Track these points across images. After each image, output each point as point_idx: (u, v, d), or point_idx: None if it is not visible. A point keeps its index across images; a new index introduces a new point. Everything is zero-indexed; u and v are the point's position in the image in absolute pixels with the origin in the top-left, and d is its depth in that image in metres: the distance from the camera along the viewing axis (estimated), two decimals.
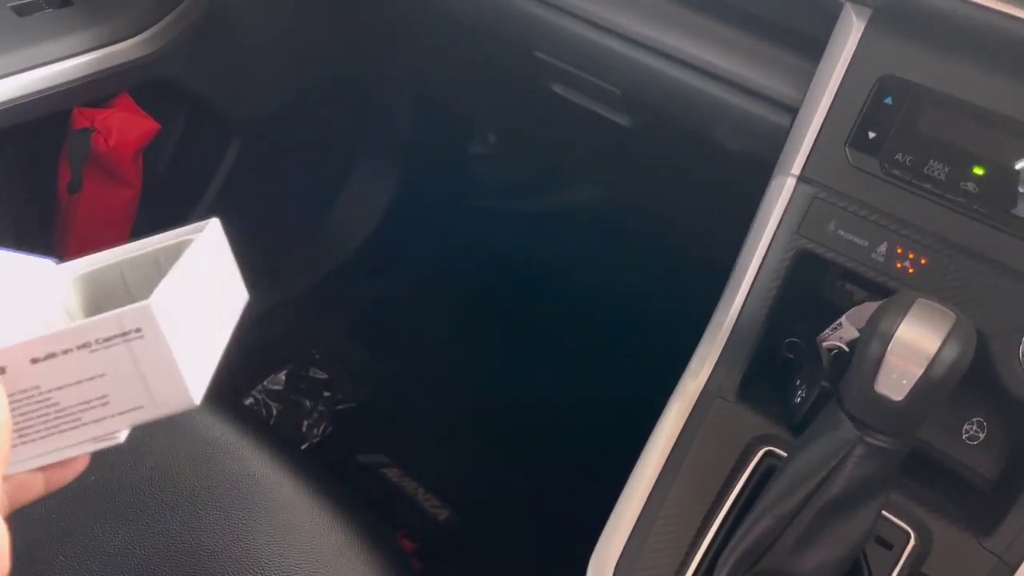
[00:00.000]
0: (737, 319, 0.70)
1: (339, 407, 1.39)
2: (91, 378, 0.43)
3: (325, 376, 1.42)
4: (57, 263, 0.53)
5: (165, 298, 0.44)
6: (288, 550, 0.71)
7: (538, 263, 1.40)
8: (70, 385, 0.43)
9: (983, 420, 0.68)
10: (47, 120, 0.98)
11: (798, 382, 0.70)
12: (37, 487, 0.45)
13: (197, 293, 0.48)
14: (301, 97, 1.31)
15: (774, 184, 0.70)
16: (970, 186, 0.64)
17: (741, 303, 0.70)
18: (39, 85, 0.92)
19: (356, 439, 1.34)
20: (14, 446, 0.44)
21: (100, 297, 0.56)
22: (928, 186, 0.65)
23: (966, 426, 0.68)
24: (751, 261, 0.70)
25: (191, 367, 0.45)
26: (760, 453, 0.66)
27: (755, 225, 0.71)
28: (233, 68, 1.17)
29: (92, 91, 1.00)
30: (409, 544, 1.18)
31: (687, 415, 0.68)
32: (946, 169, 0.64)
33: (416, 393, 1.40)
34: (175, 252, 0.51)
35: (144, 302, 0.43)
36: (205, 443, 0.77)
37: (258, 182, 1.31)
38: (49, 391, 0.43)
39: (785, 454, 0.65)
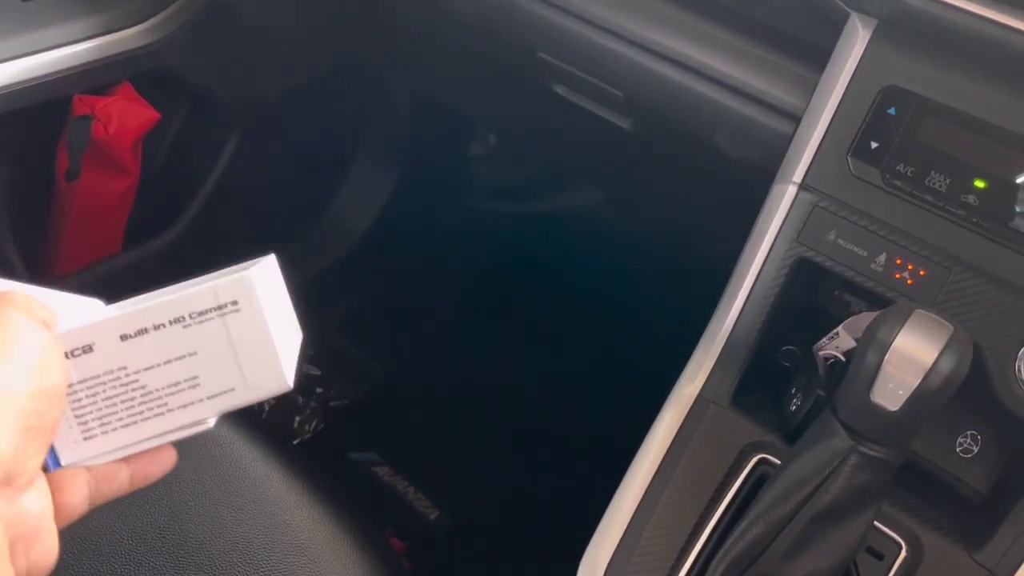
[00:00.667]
0: (734, 326, 0.70)
1: (332, 404, 1.39)
2: (182, 357, 0.41)
3: (318, 373, 1.42)
4: (105, 304, 0.49)
5: (261, 273, 0.41)
6: (277, 544, 0.71)
7: (535, 264, 1.39)
8: (159, 365, 0.41)
9: (977, 433, 0.68)
10: (47, 106, 0.98)
11: (793, 390, 0.70)
12: (121, 481, 0.42)
13: (276, 296, 0.45)
14: (301, 91, 1.31)
15: (775, 191, 0.70)
16: (971, 199, 0.64)
17: (739, 310, 0.70)
18: (41, 71, 0.91)
19: (348, 437, 1.34)
20: (91, 437, 0.41)
21: None
22: (929, 198, 0.65)
23: (960, 439, 0.68)
24: (750, 268, 0.70)
25: (284, 348, 0.42)
26: (753, 460, 0.66)
27: (754, 232, 0.71)
28: (234, 59, 1.17)
29: (93, 78, 0.99)
30: (399, 543, 1.18)
31: (681, 420, 0.67)
32: (947, 181, 0.64)
33: (409, 392, 1.40)
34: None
35: (242, 272, 0.41)
36: (196, 434, 0.76)
37: (256, 176, 1.30)
38: (137, 372, 0.41)
39: (779, 462, 0.65)
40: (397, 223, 1.53)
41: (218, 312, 0.40)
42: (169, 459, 0.43)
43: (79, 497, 0.40)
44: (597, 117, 0.95)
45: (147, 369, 0.41)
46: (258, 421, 1.24)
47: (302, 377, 1.40)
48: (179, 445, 0.43)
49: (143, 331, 0.40)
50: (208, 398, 0.42)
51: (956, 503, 0.67)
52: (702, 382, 0.69)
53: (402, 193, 1.52)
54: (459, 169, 1.60)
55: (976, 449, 0.68)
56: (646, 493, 0.65)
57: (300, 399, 1.38)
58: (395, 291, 1.56)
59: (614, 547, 0.64)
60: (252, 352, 0.41)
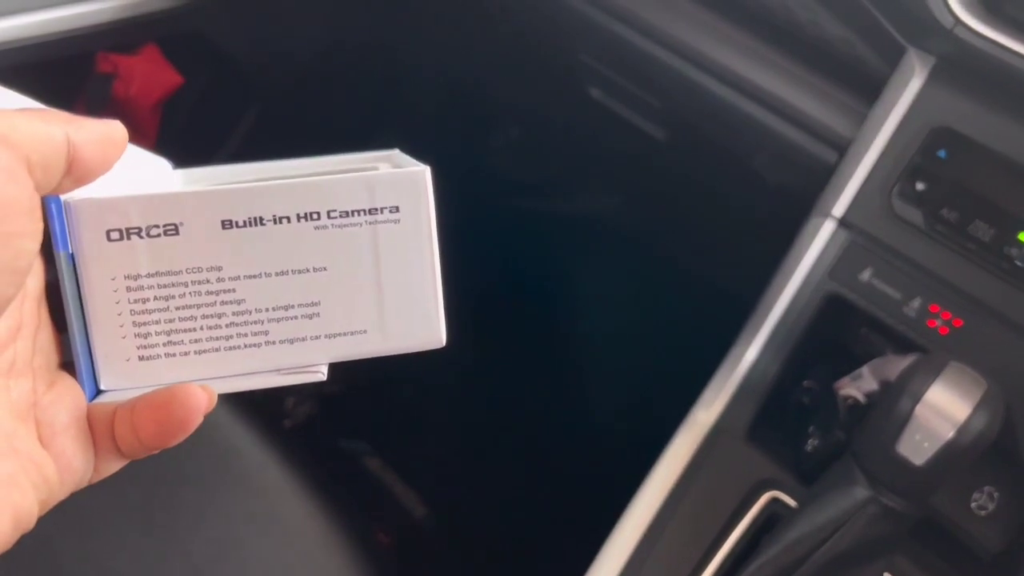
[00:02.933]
0: (757, 356, 0.68)
1: (325, 390, 1.37)
2: (304, 271, 0.29)
3: None
4: (174, 166, 0.36)
5: (429, 176, 0.30)
6: (269, 536, 0.69)
7: (546, 266, 1.37)
8: (269, 276, 0.29)
9: (994, 491, 0.66)
10: (69, 60, 0.95)
11: (811, 428, 0.69)
12: (79, 472, 0.29)
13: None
14: (326, 65, 1.29)
15: (811, 224, 0.68)
16: (1013, 251, 0.62)
17: (763, 340, 0.68)
18: (66, 24, 0.89)
19: (340, 424, 1.32)
20: (149, 357, 0.29)
21: None
22: (971, 246, 0.63)
23: (975, 494, 0.67)
24: (778, 298, 0.68)
25: (440, 288, 0.31)
26: (765, 498, 0.64)
27: (786, 262, 0.69)
28: (262, 28, 1.15)
29: (119, 36, 0.97)
30: (384, 538, 1.16)
31: (694, 449, 0.66)
32: (991, 231, 0.63)
33: (405, 386, 1.38)
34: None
35: (416, 167, 0.30)
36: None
37: (273, 150, 1.28)
38: (235, 279, 0.29)
39: (791, 501, 0.64)
40: None
41: (369, 217, 0.29)
42: (193, 414, 0.29)
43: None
44: (630, 124, 0.93)
45: (250, 277, 0.29)
46: (249, 399, 1.22)
47: None
48: None
49: (257, 220, 0.28)
50: (327, 336, 0.30)
51: (966, 560, 0.65)
52: (719, 411, 0.67)
53: None
54: (477, 161, 1.58)
55: (992, 507, 0.66)
56: (652, 523, 0.63)
57: None
58: None
59: None
60: (403, 284, 0.30)
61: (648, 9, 0.78)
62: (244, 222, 0.28)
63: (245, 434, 0.77)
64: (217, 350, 0.30)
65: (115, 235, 0.28)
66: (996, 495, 0.66)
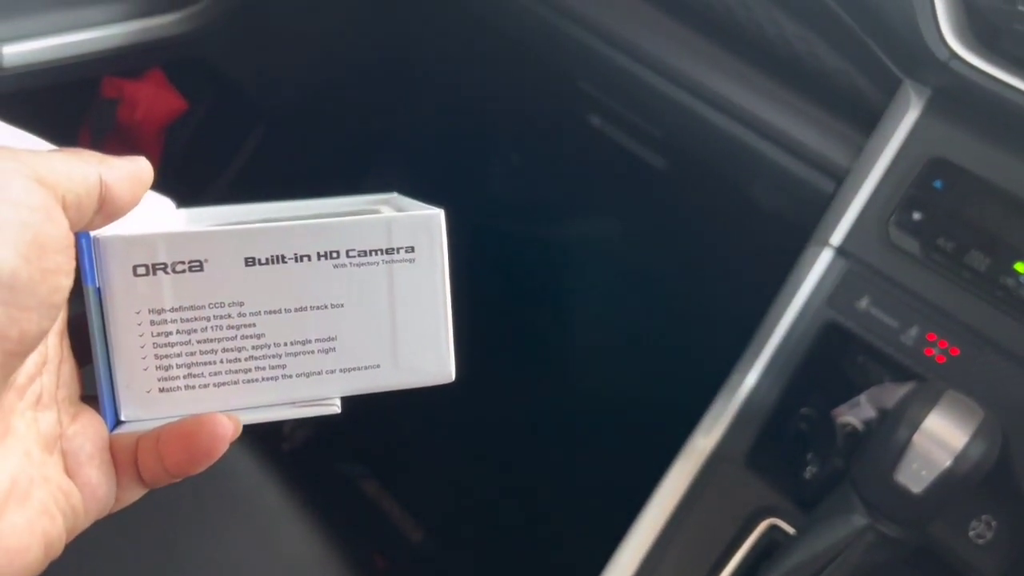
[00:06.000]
0: (755, 384, 0.68)
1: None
2: (323, 307, 0.31)
3: None
4: (176, 205, 0.38)
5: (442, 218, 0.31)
6: (267, 559, 0.69)
7: (544, 293, 1.38)
8: (289, 311, 0.30)
9: (992, 519, 0.66)
10: (74, 84, 0.96)
11: (809, 456, 0.69)
12: (103, 501, 0.29)
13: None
14: (328, 92, 1.30)
15: (809, 252, 0.69)
16: (1010, 281, 0.62)
17: (762, 368, 0.68)
18: (72, 51, 0.90)
19: (338, 447, 1.31)
20: (170, 389, 0.30)
21: None
22: (967, 276, 0.63)
23: (974, 523, 0.67)
24: (776, 326, 0.69)
25: (451, 326, 0.32)
26: (763, 525, 0.64)
27: (784, 291, 0.69)
28: (265, 54, 1.16)
29: (125, 62, 0.98)
30: (381, 561, 1.16)
31: (694, 475, 0.66)
32: (987, 261, 0.63)
33: (403, 410, 1.38)
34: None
35: (431, 209, 0.31)
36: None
37: (275, 174, 1.29)
38: (256, 314, 0.30)
39: (790, 528, 0.64)
40: None
41: (386, 257, 0.30)
42: (219, 442, 0.29)
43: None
44: (629, 153, 0.94)
45: (270, 312, 0.30)
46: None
47: None
48: None
49: (279, 259, 0.30)
50: (342, 371, 0.31)
51: None
52: (718, 438, 0.67)
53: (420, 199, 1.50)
54: (477, 184, 1.59)
55: (990, 535, 0.66)
56: (651, 549, 0.63)
57: None
58: None
59: None
60: (416, 321, 0.31)
61: (648, 39, 0.79)
62: (267, 260, 0.30)
63: (243, 457, 0.77)
64: (236, 383, 0.31)
65: (142, 270, 0.29)
66: (994, 524, 0.67)
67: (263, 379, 0.31)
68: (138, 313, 0.30)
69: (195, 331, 0.30)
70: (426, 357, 0.32)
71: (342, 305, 0.31)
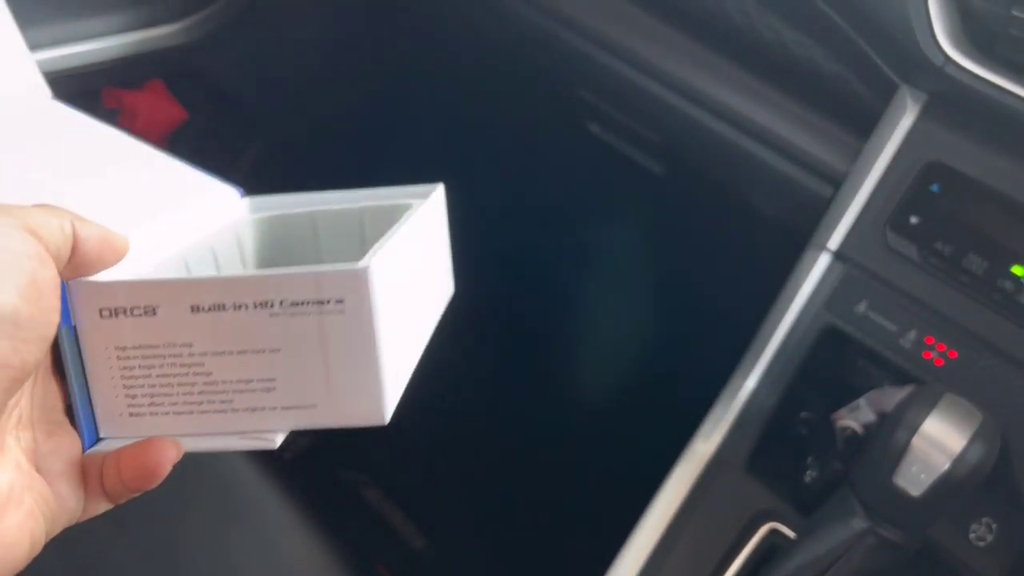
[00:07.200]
0: (755, 388, 0.68)
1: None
2: (261, 351, 0.33)
3: None
4: (243, 194, 0.44)
5: (382, 268, 0.33)
6: (269, 569, 0.69)
7: (544, 298, 1.38)
8: (232, 353, 0.33)
9: (992, 522, 0.66)
10: (75, 96, 0.97)
11: (809, 460, 0.69)
12: (71, 510, 0.34)
13: (411, 274, 0.38)
14: (328, 100, 1.30)
15: (807, 257, 0.69)
16: (1007, 284, 0.63)
17: (761, 372, 0.68)
18: (72, 62, 0.90)
19: (340, 455, 1.31)
20: (137, 414, 0.34)
21: (282, 249, 0.46)
22: (965, 279, 0.64)
23: (974, 525, 0.67)
24: (775, 331, 0.69)
25: (390, 370, 0.34)
26: (764, 529, 0.64)
27: (783, 295, 0.70)
28: (266, 65, 1.16)
29: (125, 72, 0.99)
30: (383, 569, 1.16)
31: (694, 480, 0.66)
32: (985, 264, 0.63)
33: (405, 417, 1.37)
34: (386, 216, 0.41)
35: (357, 264, 0.32)
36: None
37: (273, 188, 1.29)
38: (203, 355, 0.33)
39: (790, 532, 0.64)
40: None
41: (317, 308, 0.32)
42: (164, 462, 0.33)
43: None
44: (628, 159, 0.94)
45: (216, 354, 0.33)
46: None
47: None
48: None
49: (219, 307, 0.32)
50: (282, 408, 0.34)
51: None
52: (718, 442, 0.68)
53: None
54: (476, 190, 1.59)
55: (990, 538, 0.66)
56: (652, 554, 0.63)
57: None
58: None
59: None
60: (348, 367, 0.33)
61: (647, 46, 0.80)
62: (209, 307, 0.33)
63: (245, 465, 0.77)
64: (191, 412, 0.34)
65: (106, 313, 0.33)
66: (994, 526, 0.67)
67: (213, 411, 0.34)
68: (106, 349, 0.34)
69: (154, 366, 0.34)
70: (359, 400, 0.34)
71: (279, 350, 0.33)
